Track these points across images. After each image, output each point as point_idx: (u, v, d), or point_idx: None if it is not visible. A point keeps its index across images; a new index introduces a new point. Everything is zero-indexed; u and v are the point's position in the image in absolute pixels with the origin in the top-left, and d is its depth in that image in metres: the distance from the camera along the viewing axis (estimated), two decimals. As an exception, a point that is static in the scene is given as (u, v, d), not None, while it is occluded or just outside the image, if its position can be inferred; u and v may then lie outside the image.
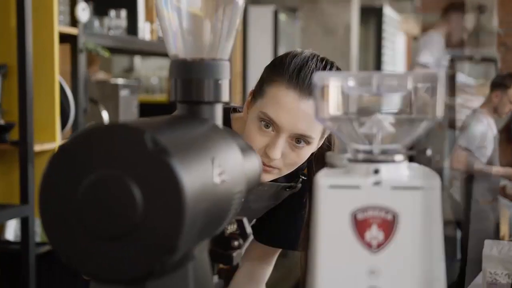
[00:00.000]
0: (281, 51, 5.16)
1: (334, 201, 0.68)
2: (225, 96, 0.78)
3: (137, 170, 0.60)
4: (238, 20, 0.81)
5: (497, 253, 1.74)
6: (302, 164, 1.35)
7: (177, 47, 0.78)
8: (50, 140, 2.68)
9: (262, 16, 5.47)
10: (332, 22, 5.92)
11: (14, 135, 2.55)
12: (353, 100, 0.71)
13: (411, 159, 0.71)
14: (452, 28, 4.71)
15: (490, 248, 1.75)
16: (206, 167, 0.66)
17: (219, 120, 0.79)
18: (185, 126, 0.71)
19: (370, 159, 0.69)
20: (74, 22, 2.86)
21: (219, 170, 0.69)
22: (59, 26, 2.72)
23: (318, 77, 0.71)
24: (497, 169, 4.41)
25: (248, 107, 1.33)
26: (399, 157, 0.69)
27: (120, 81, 3.47)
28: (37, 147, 2.55)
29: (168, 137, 0.63)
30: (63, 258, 0.63)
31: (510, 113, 4.11)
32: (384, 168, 0.68)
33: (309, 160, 1.37)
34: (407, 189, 0.67)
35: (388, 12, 7.69)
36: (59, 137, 2.75)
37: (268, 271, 1.62)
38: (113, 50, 3.48)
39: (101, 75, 4.63)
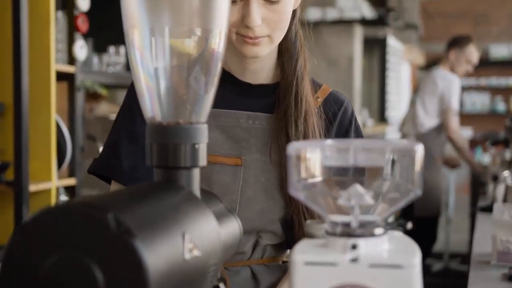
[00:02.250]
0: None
1: (310, 278, 0.65)
2: (202, 161, 0.76)
3: (100, 252, 0.58)
4: (216, 79, 0.78)
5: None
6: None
7: (153, 110, 0.75)
8: (46, 179, 2.65)
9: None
10: (335, 53, 5.91)
11: (9, 174, 2.52)
12: (330, 170, 0.68)
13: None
14: (453, 64, 4.68)
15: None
16: (176, 243, 0.63)
17: (196, 185, 0.76)
18: (155, 198, 0.68)
19: (348, 232, 0.66)
20: (72, 59, 2.84)
21: (191, 245, 0.66)
22: (57, 64, 2.71)
23: (293, 147, 0.68)
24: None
25: None
26: (378, 231, 0.66)
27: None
28: (33, 187, 2.51)
29: (133, 215, 0.60)
30: None
31: None
32: (362, 243, 0.65)
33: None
34: (386, 267, 0.63)
35: (392, 42, 7.70)
36: (55, 177, 2.72)
37: None
38: (112, 87, 3.47)
39: (104, 107, 4.62)
